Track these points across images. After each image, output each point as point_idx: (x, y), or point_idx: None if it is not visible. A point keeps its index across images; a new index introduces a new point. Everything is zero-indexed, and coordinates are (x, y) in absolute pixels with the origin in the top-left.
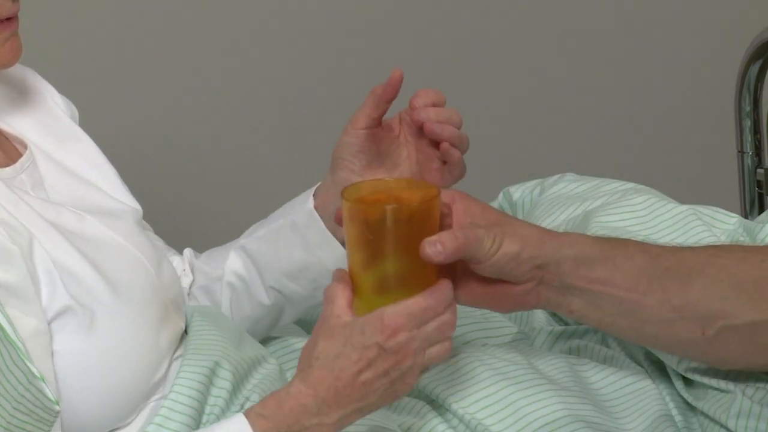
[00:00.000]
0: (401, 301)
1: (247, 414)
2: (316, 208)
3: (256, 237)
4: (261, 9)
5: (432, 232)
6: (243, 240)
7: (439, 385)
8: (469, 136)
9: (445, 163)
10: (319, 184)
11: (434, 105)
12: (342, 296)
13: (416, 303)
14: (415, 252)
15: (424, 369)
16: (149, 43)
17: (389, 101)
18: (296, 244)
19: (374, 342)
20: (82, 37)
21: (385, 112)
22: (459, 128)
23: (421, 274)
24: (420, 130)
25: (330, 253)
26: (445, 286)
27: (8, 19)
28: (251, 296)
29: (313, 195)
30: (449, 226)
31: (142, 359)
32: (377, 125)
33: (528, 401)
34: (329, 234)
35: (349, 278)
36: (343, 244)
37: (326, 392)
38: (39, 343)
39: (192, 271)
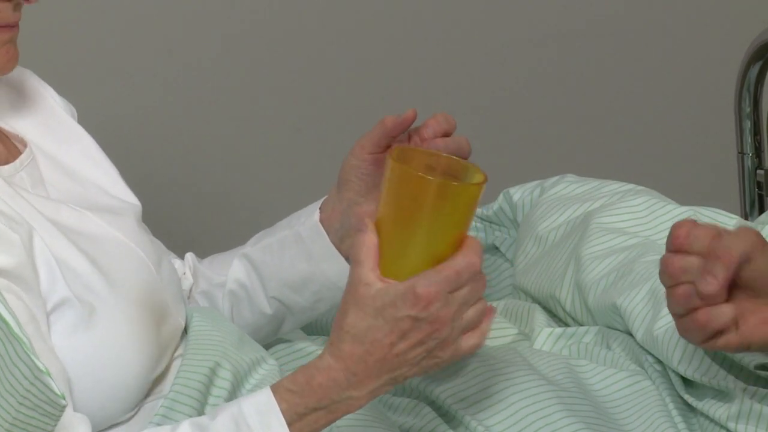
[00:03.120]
0: (432, 268)
1: (274, 388)
2: (321, 221)
3: (260, 246)
4: (268, 10)
5: (471, 216)
6: (247, 248)
7: (438, 386)
8: (469, 138)
9: None
10: (325, 197)
11: (444, 133)
12: (371, 255)
13: (449, 268)
14: (454, 228)
15: (464, 332)
16: (151, 44)
17: (397, 136)
18: (300, 256)
19: (407, 315)
20: (82, 36)
21: (392, 142)
22: (467, 158)
23: (456, 246)
24: None
25: (334, 266)
26: (475, 246)
27: (8, 26)
28: (253, 305)
29: (320, 208)
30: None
31: (140, 354)
32: (384, 151)
33: (527, 402)
34: (333, 248)
35: (377, 233)
36: (347, 258)
37: (357, 366)
38: (39, 333)
39: (194, 276)
